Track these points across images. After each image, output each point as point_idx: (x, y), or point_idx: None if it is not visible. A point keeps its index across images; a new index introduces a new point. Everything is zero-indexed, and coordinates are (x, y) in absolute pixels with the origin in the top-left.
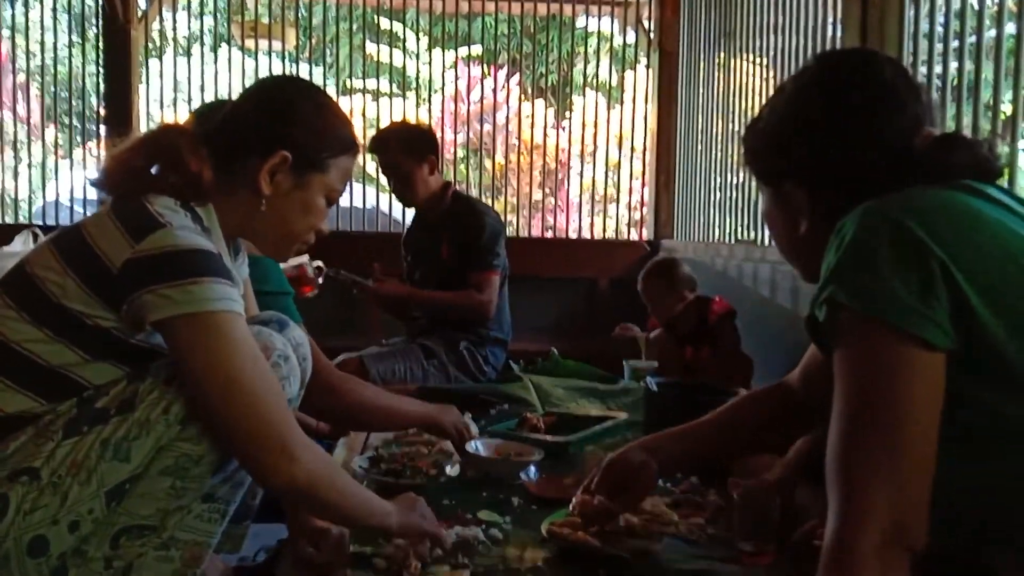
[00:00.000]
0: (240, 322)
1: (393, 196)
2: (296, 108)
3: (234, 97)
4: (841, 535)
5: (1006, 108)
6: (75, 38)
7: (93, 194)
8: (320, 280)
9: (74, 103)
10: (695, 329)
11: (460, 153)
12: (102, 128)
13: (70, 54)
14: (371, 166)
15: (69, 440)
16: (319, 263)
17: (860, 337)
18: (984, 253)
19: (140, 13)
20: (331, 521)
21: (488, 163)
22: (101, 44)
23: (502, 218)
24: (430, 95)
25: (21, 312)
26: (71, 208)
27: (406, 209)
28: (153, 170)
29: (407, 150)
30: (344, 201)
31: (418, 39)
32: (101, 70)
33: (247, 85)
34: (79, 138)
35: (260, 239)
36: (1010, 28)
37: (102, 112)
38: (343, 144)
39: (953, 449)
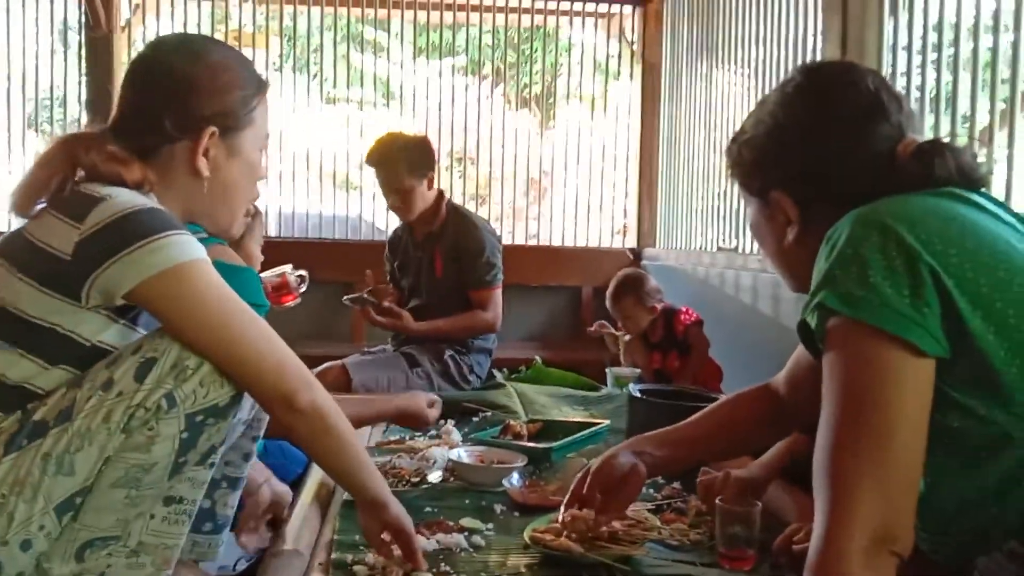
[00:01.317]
0: (210, 267)
1: (389, 211)
2: (201, 79)
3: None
4: (828, 538)
5: (983, 118)
6: (57, 46)
7: None
8: (302, 288)
9: (56, 111)
10: (664, 338)
11: (445, 162)
12: None
13: (52, 62)
14: (354, 174)
15: (9, 456)
16: (302, 272)
17: (851, 342)
18: (973, 260)
19: (123, 21)
20: (339, 464)
21: (472, 172)
22: (83, 52)
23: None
24: (414, 105)
25: None
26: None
27: (389, 216)
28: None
29: (410, 168)
30: (327, 210)
31: (403, 49)
32: (83, 78)
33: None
34: None
35: (210, 218)
36: (987, 41)
37: (84, 120)
38: (255, 90)
39: (942, 454)
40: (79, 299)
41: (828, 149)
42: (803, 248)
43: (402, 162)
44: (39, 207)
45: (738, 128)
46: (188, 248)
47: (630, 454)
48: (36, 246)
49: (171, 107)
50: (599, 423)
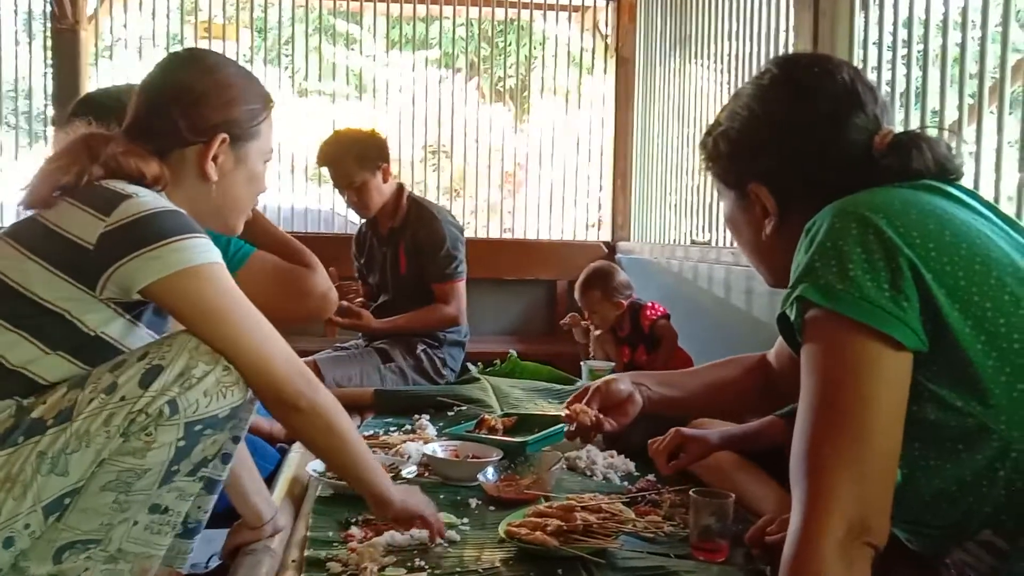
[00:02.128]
0: (224, 271)
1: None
2: (216, 89)
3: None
4: (804, 529)
5: (951, 114)
6: (22, 37)
7: None
8: None
9: (21, 104)
10: (631, 333)
11: (419, 155)
12: (50, 130)
13: (16, 54)
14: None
15: (3, 452)
16: None
17: (829, 335)
18: (952, 253)
19: (90, 13)
20: (341, 461)
21: (446, 165)
22: (49, 44)
23: (460, 220)
24: (388, 98)
25: None
26: (18, 210)
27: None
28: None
29: (359, 162)
30: (298, 203)
31: (375, 42)
32: (49, 70)
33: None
34: (27, 140)
35: (212, 221)
36: (955, 37)
37: (50, 113)
38: (264, 105)
39: (919, 447)
40: (94, 288)
41: (805, 140)
42: (781, 240)
43: (351, 157)
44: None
45: (712, 121)
46: (206, 251)
47: (631, 383)
48: (55, 232)
49: (185, 113)
50: None
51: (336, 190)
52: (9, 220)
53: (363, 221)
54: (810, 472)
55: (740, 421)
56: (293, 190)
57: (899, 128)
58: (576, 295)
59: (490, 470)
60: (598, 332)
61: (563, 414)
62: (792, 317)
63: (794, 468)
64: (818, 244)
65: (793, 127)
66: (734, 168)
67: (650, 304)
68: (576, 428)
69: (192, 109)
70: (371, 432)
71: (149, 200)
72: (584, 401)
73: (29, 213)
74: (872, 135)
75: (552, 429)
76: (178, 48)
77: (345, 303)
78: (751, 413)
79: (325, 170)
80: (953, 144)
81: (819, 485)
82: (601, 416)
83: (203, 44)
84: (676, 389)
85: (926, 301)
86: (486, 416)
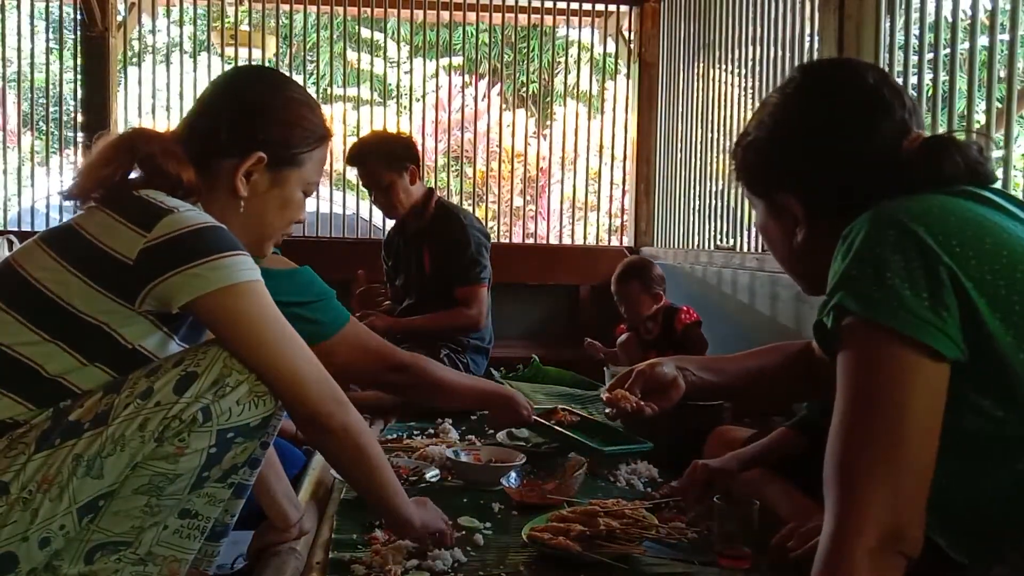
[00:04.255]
0: (263, 290)
1: (375, 206)
2: (268, 107)
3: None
4: (837, 536)
5: (979, 118)
6: (53, 45)
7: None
8: None
9: (51, 110)
10: (660, 336)
11: (441, 161)
12: (79, 135)
13: (47, 61)
14: (351, 172)
15: (40, 454)
16: None
17: (867, 343)
18: (992, 261)
19: (119, 20)
20: (366, 484)
21: (469, 170)
22: (79, 51)
23: (484, 225)
24: (411, 103)
25: (12, 313)
26: (47, 215)
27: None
28: (133, 174)
29: (386, 162)
30: (324, 207)
31: (399, 48)
32: (79, 77)
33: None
34: (56, 145)
35: (240, 238)
36: (983, 40)
37: (80, 119)
38: (316, 137)
39: (955, 456)
40: (133, 302)
41: (831, 148)
42: (813, 249)
43: (380, 157)
44: (91, 203)
45: (740, 130)
46: (246, 270)
47: (674, 367)
48: (96, 246)
49: (236, 121)
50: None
51: (365, 190)
52: (40, 222)
53: (393, 224)
54: (844, 479)
55: (783, 407)
56: (318, 196)
57: (927, 132)
58: (613, 287)
59: (513, 474)
60: (621, 339)
61: (603, 397)
62: (828, 324)
63: (828, 475)
64: (856, 252)
65: (817, 135)
66: (762, 178)
67: (685, 308)
68: (616, 412)
69: (239, 120)
70: (394, 436)
71: (191, 215)
72: (627, 384)
73: (65, 218)
74: (901, 139)
75: (635, 446)
76: (205, 55)
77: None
78: (793, 400)
79: (350, 175)
80: (984, 148)
81: (853, 493)
82: (642, 403)
83: (228, 51)
84: (719, 375)
85: (966, 310)
86: (560, 408)
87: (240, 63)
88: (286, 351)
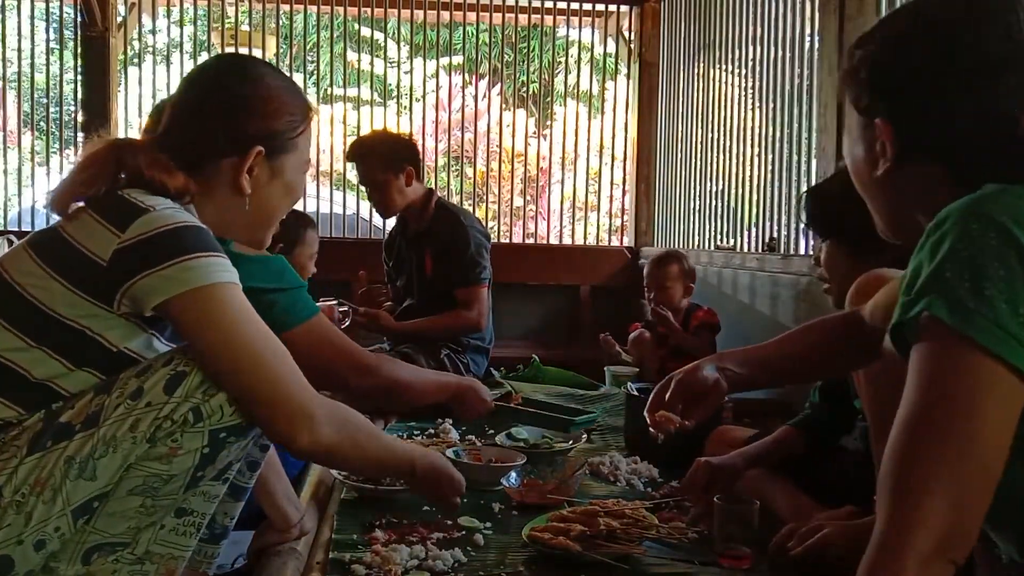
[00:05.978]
0: (239, 291)
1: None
2: (255, 100)
3: None
4: (889, 538)
5: None
6: (53, 45)
7: None
8: (345, 323)
9: (51, 110)
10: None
11: (441, 161)
12: (80, 135)
13: (47, 61)
14: (351, 172)
15: (32, 456)
16: (346, 307)
17: (949, 350)
18: None
19: (119, 20)
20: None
21: (469, 171)
22: (79, 51)
23: (485, 225)
24: (411, 103)
25: None
26: (47, 215)
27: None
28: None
29: (384, 162)
30: (324, 207)
31: (399, 48)
32: (79, 77)
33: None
34: (56, 145)
35: (245, 233)
36: None
37: (80, 119)
38: (303, 115)
39: (1020, 467)
40: (111, 305)
41: (949, 92)
42: (891, 188)
43: (378, 155)
44: (77, 206)
45: (740, 130)
46: (221, 271)
47: (714, 368)
48: (74, 247)
49: (223, 124)
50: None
51: (362, 186)
52: (40, 222)
53: (393, 225)
54: (903, 483)
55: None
56: (318, 195)
57: None
58: (653, 267)
59: (513, 474)
60: (634, 335)
61: (647, 420)
62: (911, 324)
63: (885, 475)
64: (950, 249)
65: (940, 75)
66: (866, 95)
67: (706, 308)
68: (663, 436)
69: (231, 120)
70: (394, 436)
71: (167, 214)
72: (667, 397)
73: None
74: (1020, 113)
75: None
76: (205, 55)
77: (362, 309)
78: (844, 371)
79: (351, 175)
80: None
81: (913, 497)
82: (683, 422)
83: (229, 51)
84: (762, 367)
85: None
86: (514, 392)
87: None
88: (254, 359)
